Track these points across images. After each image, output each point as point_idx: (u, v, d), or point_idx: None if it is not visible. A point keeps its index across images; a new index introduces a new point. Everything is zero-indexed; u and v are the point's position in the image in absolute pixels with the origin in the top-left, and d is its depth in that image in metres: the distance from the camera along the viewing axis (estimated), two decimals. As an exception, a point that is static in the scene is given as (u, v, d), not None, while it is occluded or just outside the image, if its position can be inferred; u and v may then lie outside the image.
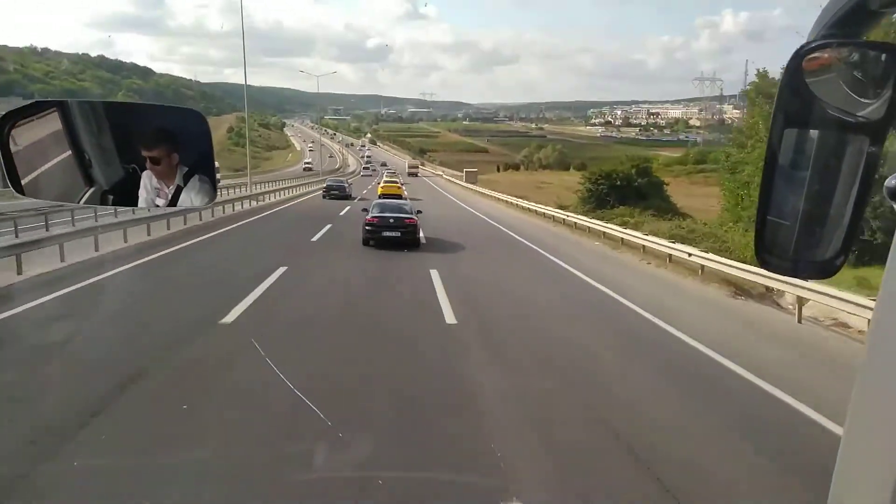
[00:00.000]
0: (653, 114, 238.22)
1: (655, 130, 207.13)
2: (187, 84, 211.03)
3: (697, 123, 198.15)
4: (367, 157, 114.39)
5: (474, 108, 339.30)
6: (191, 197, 1.50)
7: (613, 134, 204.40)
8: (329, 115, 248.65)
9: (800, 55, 0.73)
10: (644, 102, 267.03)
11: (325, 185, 35.88)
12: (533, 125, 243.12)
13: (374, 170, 78.65)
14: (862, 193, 0.74)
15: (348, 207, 26.45)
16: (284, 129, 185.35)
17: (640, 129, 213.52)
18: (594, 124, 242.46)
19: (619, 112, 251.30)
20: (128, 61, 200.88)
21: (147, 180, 1.44)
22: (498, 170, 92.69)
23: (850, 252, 0.77)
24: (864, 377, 0.65)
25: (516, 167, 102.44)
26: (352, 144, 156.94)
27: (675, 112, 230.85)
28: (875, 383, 0.63)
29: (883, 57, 0.72)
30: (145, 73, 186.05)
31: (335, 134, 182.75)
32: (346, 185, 35.51)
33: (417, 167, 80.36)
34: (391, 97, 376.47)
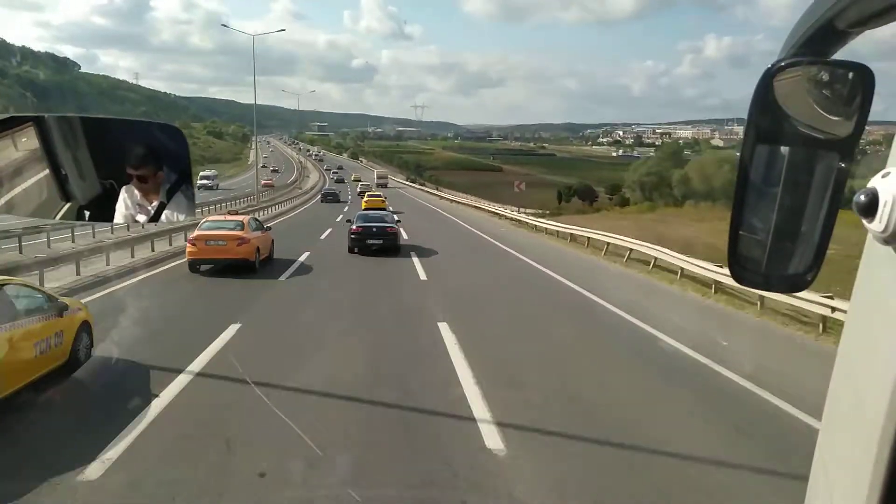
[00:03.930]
0: (664, 134, 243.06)
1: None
2: (130, 87, 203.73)
3: (720, 143, 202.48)
4: (319, 157, 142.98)
5: (463, 128, 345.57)
6: (173, 212, 1.59)
7: (636, 154, 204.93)
8: (313, 132, 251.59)
9: (770, 73, 0.81)
10: (635, 124, 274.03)
11: (322, 192, 52.79)
12: (532, 144, 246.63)
13: (338, 175, 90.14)
14: (832, 209, 0.81)
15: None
16: (251, 141, 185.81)
17: (655, 149, 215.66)
18: (601, 144, 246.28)
19: (620, 132, 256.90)
20: (42, 50, 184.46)
21: (127, 196, 1.52)
22: (560, 199, 69.71)
23: (821, 266, 0.84)
24: (838, 381, 0.72)
25: (588, 195, 75.18)
26: (308, 151, 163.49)
27: (685, 132, 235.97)
28: (848, 386, 0.71)
29: (850, 75, 0.80)
30: (63, 64, 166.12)
31: (295, 141, 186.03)
32: (338, 192, 52.68)
33: (387, 177, 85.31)
34: (378, 116, 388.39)
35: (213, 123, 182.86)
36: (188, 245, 14.16)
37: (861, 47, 0.84)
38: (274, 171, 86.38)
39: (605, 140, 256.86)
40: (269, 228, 16.93)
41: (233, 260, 13.88)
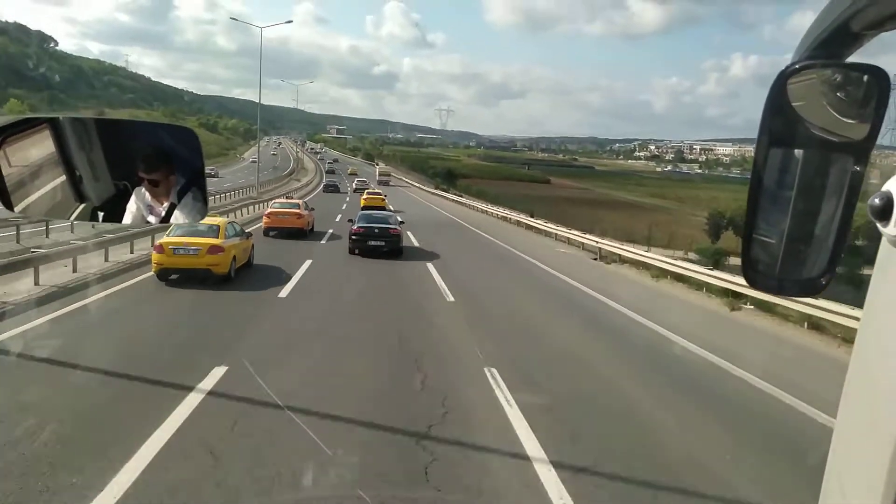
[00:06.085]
0: (705, 150, 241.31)
1: (721, 168, 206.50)
2: (129, 75, 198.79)
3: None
4: (318, 152, 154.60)
5: (485, 138, 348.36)
6: (184, 213, 1.68)
7: (685, 170, 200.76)
8: (331, 135, 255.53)
9: (784, 76, 0.85)
10: (667, 141, 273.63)
11: (323, 184, 60.78)
12: (561, 156, 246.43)
13: (331, 166, 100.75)
14: (846, 213, 0.84)
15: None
16: (261, 139, 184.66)
17: (700, 166, 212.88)
18: (638, 158, 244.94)
19: (652, 147, 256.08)
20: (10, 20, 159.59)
21: (140, 197, 1.61)
22: (716, 235, 53.57)
23: (836, 271, 0.87)
24: (852, 382, 0.76)
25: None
26: (311, 148, 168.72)
27: (724, 149, 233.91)
28: (862, 388, 0.74)
29: (865, 78, 0.83)
30: (32, 37, 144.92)
31: (304, 141, 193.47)
32: (339, 183, 62.36)
33: (389, 175, 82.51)
34: (398, 123, 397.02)
35: (218, 117, 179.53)
36: (265, 217, 22.92)
37: (877, 50, 0.86)
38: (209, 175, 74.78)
39: (641, 154, 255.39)
40: (314, 209, 25.71)
41: (293, 228, 22.08)
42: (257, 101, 49.14)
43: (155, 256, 13.28)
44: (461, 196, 64.03)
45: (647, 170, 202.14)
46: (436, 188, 76.98)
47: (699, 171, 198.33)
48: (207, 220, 13.76)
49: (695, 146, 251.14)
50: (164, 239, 13.39)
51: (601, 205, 78.39)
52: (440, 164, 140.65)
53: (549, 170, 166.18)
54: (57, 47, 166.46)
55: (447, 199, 60.84)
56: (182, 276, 13.26)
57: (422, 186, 78.78)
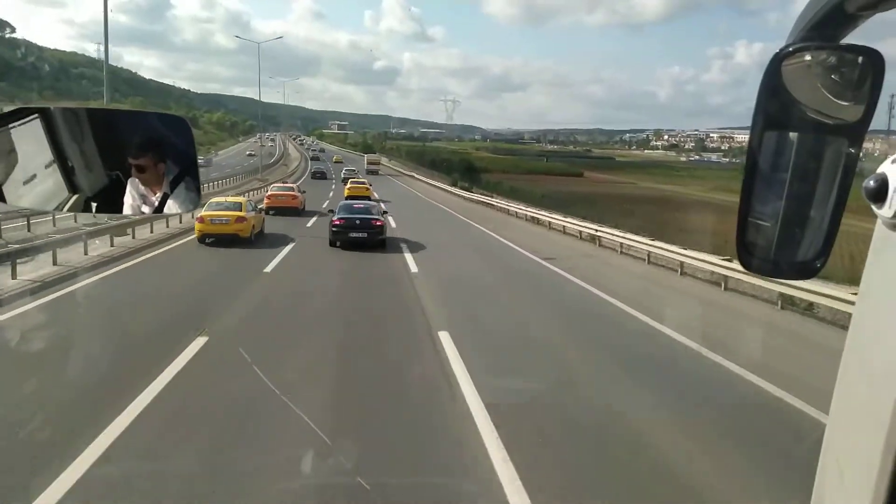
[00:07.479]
0: (725, 138, 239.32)
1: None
2: (92, 62, 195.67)
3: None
4: (303, 142, 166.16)
5: (490, 131, 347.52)
6: (177, 203, 1.71)
7: (713, 159, 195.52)
8: (332, 130, 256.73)
9: (778, 58, 0.86)
10: (671, 130, 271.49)
11: (311, 171, 67.70)
12: (571, 147, 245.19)
13: (314, 153, 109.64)
14: (841, 195, 0.86)
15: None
16: (253, 134, 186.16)
17: (724, 154, 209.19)
18: (655, 148, 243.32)
19: (665, 137, 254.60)
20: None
21: (133, 187, 1.64)
22: None
23: (830, 253, 0.89)
24: (846, 369, 0.77)
25: None
26: (301, 141, 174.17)
27: (744, 137, 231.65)
28: (857, 374, 0.75)
29: (860, 60, 0.85)
30: None
31: (298, 135, 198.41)
32: (326, 169, 69.56)
33: (378, 163, 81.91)
34: (400, 118, 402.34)
35: (206, 111, 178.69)
36: (266, 199, 28.67)
37: (871, 31, 0.88)
38: None
39: (658, 144, 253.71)
40: (305, 192, 31.78)
41: (289, 208, 27.95)
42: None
43: (197, 225, 18.63)
44: (504, 201, 40.08)
45: (669, 160, 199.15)
46: (452, 184, 60.02)
47: (726, 160, 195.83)
48: (231, 199, 20.90)
49: (712, 134, 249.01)
50: (203, 213, 18.35)
51: (678, 206, 56.16)
52: (452, 157, 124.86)
53: (567, 161, 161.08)
54: (14, 34, 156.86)
55: (491, 205, 38.90)
56: (216, 239, 18.25)
57: (436, 183, 62.74)
